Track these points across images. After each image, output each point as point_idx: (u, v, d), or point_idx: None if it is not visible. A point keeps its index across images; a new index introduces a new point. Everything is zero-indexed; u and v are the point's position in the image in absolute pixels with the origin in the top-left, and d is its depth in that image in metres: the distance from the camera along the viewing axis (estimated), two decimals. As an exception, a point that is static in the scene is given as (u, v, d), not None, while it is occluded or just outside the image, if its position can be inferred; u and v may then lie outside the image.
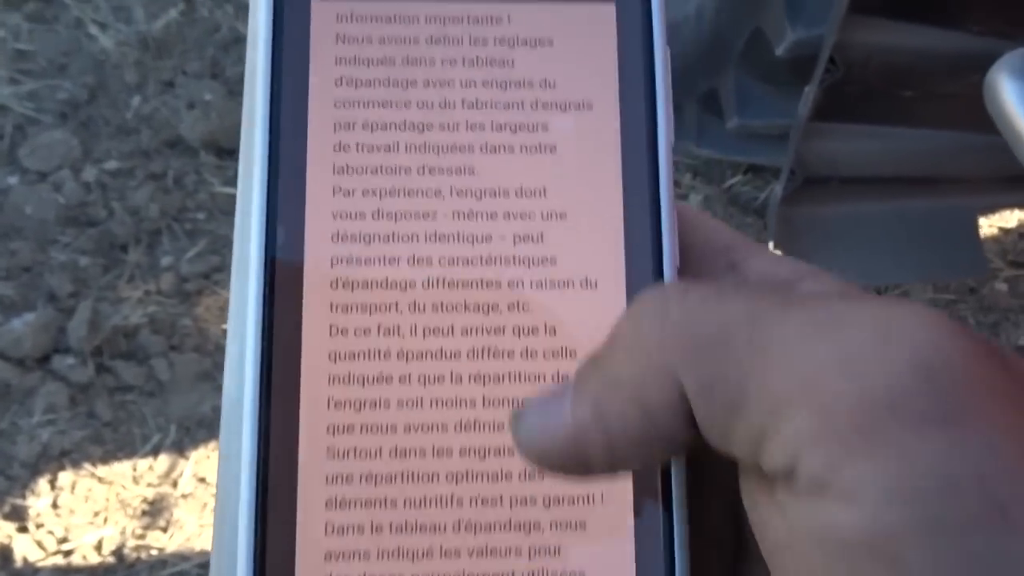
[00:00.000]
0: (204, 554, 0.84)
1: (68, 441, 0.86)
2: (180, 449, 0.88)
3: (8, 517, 0.83)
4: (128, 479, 0.86)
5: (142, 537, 0.84)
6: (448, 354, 0.18)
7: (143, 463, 0.87)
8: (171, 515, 0.85)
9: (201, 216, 1.02)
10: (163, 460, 0.87)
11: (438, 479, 0.17)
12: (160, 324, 0.93)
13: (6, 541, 0.82)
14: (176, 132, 1.07)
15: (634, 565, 0.17)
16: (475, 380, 0.18)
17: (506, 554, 0.17)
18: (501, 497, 0.18)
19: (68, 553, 0.83)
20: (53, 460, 0.85)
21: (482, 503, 0.17)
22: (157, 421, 0.88)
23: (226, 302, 0.95)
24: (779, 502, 0.14)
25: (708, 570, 0.18)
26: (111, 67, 1.12)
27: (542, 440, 0.16)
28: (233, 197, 0.97)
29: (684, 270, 0.19)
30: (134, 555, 0.84)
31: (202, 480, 0.87)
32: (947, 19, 0.52)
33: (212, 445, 0.88)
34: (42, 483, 0.85)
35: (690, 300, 0.15)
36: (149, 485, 0.86)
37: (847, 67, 0.53)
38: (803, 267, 0.19)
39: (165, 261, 0.98)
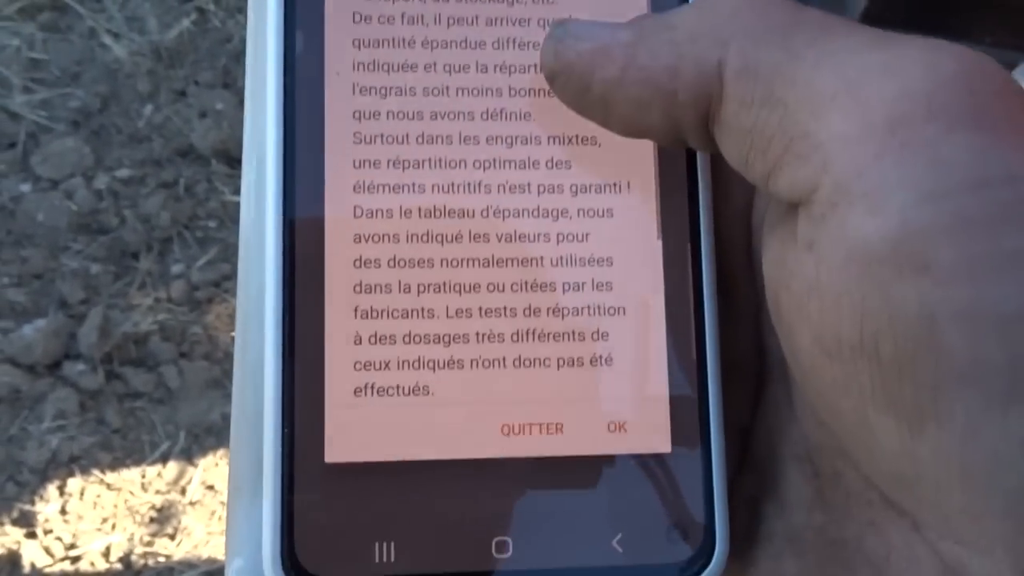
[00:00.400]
0: (212, 561, 0.84)
1: (77, 447, 0.86)
2: (189, 456, 0.88)
3: (16, 523, 0.83)
4: (137, 486, 0.86)
5: (150, 544, 0.84)
6: (472, 43, 0.18)
7: (152, 470, 0.87)
8: (179, 522, 0.85)
9: (212, 224, 1.02)
10: (172, 467, 0.87)
11: (465, 165, 0.18)
12: (170, 331, 0.94)
13: (14, 547, 0.82)
14: (188, 141, 1.07)
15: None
16: (501, 69, 0.18)
17: (534, 239, 0.18)
18: (528, 184, 0.18)
19: (76, 559, 0.83)
20: (62, 466, 0.86)
21: (510, 190, 0.18)
22: (166, 428, 0.88)
23: (235, 310, 0.96)
24: (809, 240, 0.13)
25: (732, 388, 0.18)
26: (124, 76, 1.13)
27: (570, 41, 0.16)
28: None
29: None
30: (141, 562, 0.84)
31: (210, 488, 0.87)
32: (960, 31, 0.52)
33: (221, 453, 0.89)
34: (51, 489, 0.85)
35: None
36: (157, 492, 0.86)
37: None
38: None
39: (176, 269, 0.98)
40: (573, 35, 0.16)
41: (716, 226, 0.18)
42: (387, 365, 0.17)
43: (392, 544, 0.17)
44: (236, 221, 1.08)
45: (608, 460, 0.18)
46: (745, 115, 0.14)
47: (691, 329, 0.18)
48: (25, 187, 1.02)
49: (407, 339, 0.17)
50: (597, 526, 0.17)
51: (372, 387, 0.17)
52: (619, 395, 0.18)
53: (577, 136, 0.18)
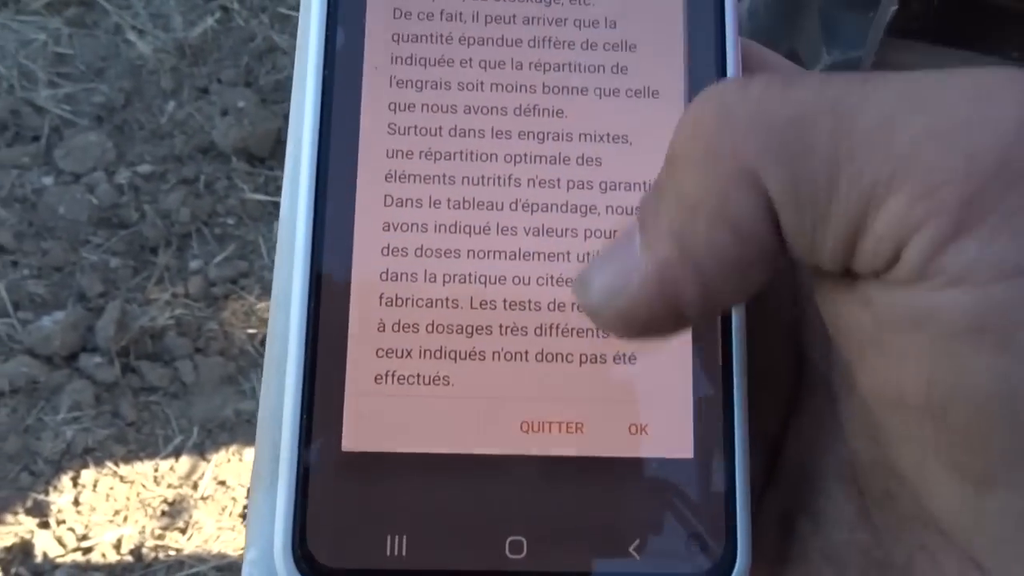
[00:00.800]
0: (221, 556, 0.85)
1: (92, 439, 0.87)
2: (201, 451, 0.88)
3: (30, 512, 0.84)
4: (149, 479, 0.86)
5: (161, 537, 0.84)
6: (508, 41, 0.18)
7: (164, 464, 0.87)
8: (190, 516, 0.85)
9: (231, 221, 1.03)
10: (184, 462, 0.88)
11: (496, 159, 0.18)
12: (186, 327, 0.94)
13: (27, 536, 0.83)
14: (209, 138, 1.08)
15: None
16: (535, 67, 0.18)
17: (562, 234, 0.18)
18: (558, 180, 0.18)
19: (87, 550, 0.83)
20: (76, 457, 0.86)
21: (539, 184, 0.18)
22: (180, 423, 0.89)
23: (251, 307, 0.96)
24: (866, 298, 0.13)
25: (762, 395, 0.17)
26: (147, 73, 1.14)
27: (620, 300, 0.14)
28: (262, 203, 0.98)
29: None
30: (152, 555, 0.84)
31: (222, 483, 0.88)
32: (986, 44, 0.52)
33: (233, 449, 0.89)
34: (65, 480, 0.85)
35: (755, 91, 0.13)
36: (170, 486, 0.86)
37: (883, 90, 0.53)
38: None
39: (194, 265, 0.99)
40: (608, 290, 0.14)
41: None
42: (409, 353, 0.17)
43: (404, 538, 0.16)
44: (254, 218, 1.09)
45: (628, 463, 0.17)
46: (803, 231, 0.13)
47: (717, 331, 0.17)
48: (47, 180, 1.03)
49: (430, 328, 0.17)
50: (614, 530, 0.17)
51: (393, 375, 0.17)
52: (642, 396, 0.17)
53: (608, 134, 0.18)
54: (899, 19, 0.49)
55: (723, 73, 0.19)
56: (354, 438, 0.17)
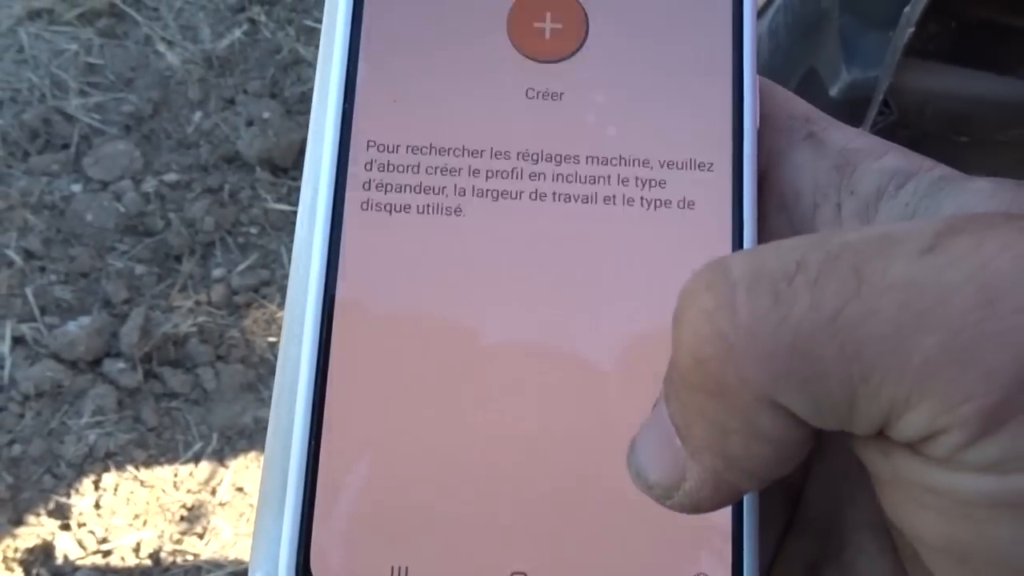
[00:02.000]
0: (238, 563, 0.85)
1: (114, 443, 0.88)
2: (221, 458, 0.89)
3: (52, 514, 0.85)
4: (169, 484, 0.88)
5: (179, 542, 0.85)
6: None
7: (184, 469, 0.88)
8: (208, 522, 0.86)
9: (254, 231, 1.04)
10: (204, 467, 0.89)
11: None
12: (209, 334, 0.95)
13: (49, 538, 0.84)
14: (234, 148, 1.10)
15: None
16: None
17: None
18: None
19: (107, 553, 0.84)
20: (98, 461, 0.88)
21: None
22: (200, 429, 0.90)
23: (272, 316, 0.97)
24: (884, 453, 0.13)
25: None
26: (175, 83, 1.16)
27: (683, 497, 0.14)
28: (285, 213, 0.99)
29: (763, 136, 0.19)
30: (170, 559, 0.85)
31: (240, 490, 0.88)
32: (1005, 66, 0.52)
33: (252, 455, 0.90)
34: (86, 483, 0.87)
35: (743, 314, 0.13)
36: (189, 491, 0.87)
37: (902, 111, 0.53)
38: (883, 142, 0.18)
39: (217, 273, 1.00)
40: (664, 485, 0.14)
41: None
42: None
43: (407, 570, 0.17)
44: (277, 228, 1.10)
45: (632, 504, 0.17)
46: (835, 424, 0.13)
47: None
48: (76, 187, 1.05)
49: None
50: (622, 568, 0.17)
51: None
52: None
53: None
54: (917, 39, 0.49)
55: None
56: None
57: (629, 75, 0.19)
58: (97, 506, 0.86)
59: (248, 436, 0.90)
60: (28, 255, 0.99)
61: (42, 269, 0.98)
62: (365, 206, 0.18)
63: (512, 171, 0.18)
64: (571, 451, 0.17)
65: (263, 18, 1.23)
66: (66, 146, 1.08)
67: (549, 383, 0.18)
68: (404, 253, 0.18)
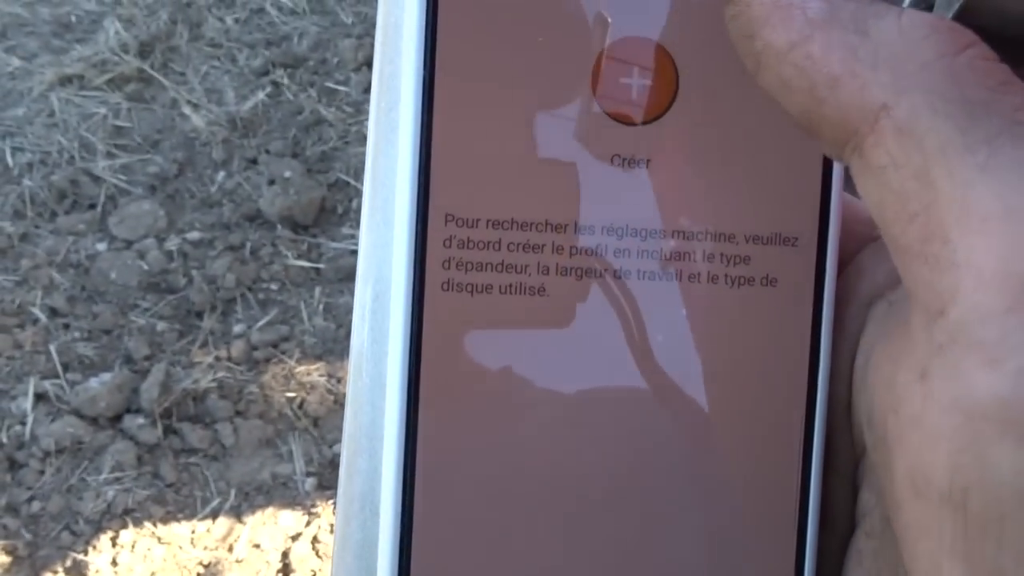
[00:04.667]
0: (254, 622, 0.84)
1: (132, 500, 0.88)
2: (238, 514, 0.89)
3: (69, 572, 0.85)
4: (186, 541, 0.87)
5: (195, 600, 0.85)
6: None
7: (201, 526, 0.88)
8: (224, 580, 0.86)
9: (274, 287, 1.05)
10: (221, 524, 0.88)
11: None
12: (228, 390, 0.96)
13: (65, 596, 0.84)
14: (256, 206, 1.12)
15: None
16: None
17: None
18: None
19: (123, 612, 0.84)
20: (116, 518, 0.87)
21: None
22: (218, 485, 0.90)
23: (291, 371, 0.98)
24: (918, 368, 0.13)
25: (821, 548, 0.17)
26: (200, 144, 1.18)
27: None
28: (304, 270, 1.00)
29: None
30: (186, 618, 0.84)
31: (257, 546, 0.88)
32: None
33: (270, 511, 0.89)
34: (104, 540, 0.87)
35: None
36: (206, 548, 0.87)
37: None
38: None
39: (237, 329, 1.01)
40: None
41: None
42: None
43: None
44: (297, 284, 1.11)
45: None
46: (893, 175, 0.13)
47: (797, 485, 0.17)
48: (101, 246, 1.07)
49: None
50: None
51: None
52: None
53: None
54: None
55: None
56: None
57: (718, 139, 0.17)
58: (114, 563, 0.86)
59: (266, 492, 0.90)
60: (53, 312, 1.01)
61: (66, 326, 1.00)
62: (446, 286, 0.17)
63: (596, 247, 0.17)
64: (653, 497, 0.17)
65: (286, 81, 1.26)
66: (92, 206, 1.10)
67: (632, 455, 0.17)
68: (487, 338, 0.17)
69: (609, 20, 0.17)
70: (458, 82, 0.17)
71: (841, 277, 0.18)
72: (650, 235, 0.17)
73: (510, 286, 0.17)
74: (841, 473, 0.18)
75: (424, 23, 0.16)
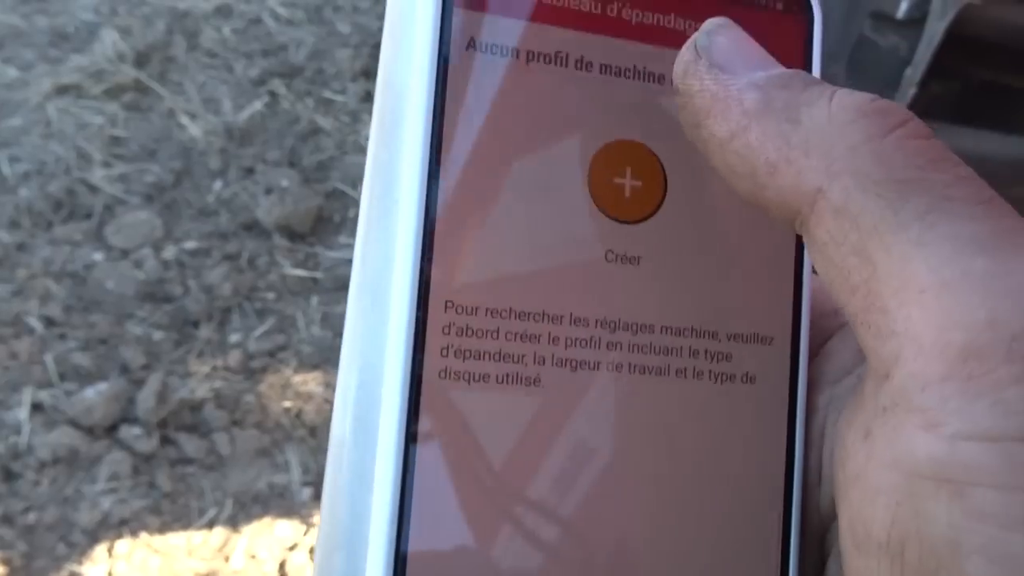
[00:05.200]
0: (250, 632, 0.84)
1: (128, 510, 0.88)
2: (234, 524, 0.88)
3: (64, 583, 0.85)
4: (182, 551, 0.87)
5: (191, 611, 0.84)
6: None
7: (197, 536, 0.88)
8: (221, 591, 0.85)
9: (271, 296, 1.05)
10: (217, 534, 0.88)
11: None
12: (224, 399, 0.96)
13: (60, 607, 0.83)
14: (253, 215, 1.12)
15: None
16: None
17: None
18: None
19: (118, 623, 0.83)
20: (112, 529, 0.87)
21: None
22: (214, 495, 0.90)
23: (288, 380, 0.97)
24: (863, 428, 0.14)
25: None
26: (197, 154, 1.18)
27: (702, 68, 0.16)
28: (301, 279, 1.00)
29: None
30: (182, 629, 0.84)
31: (253, 556, 0.88)
32: (1010, 125, 0.53)
33: (266, 521, 0.89)
34: (100, 550, 0.86)
35: None
36: (202, 559, 0.87)
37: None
38: None
39: (234, 338, 1.01)
40: (709, 62, 0.16)
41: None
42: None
43: None
44: (294, 293, 1.11)
45: None
46: (834, 251, 0.14)
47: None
48: (98, 256, 1.07)
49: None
50: None
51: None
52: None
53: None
54: (920, 101, 0.50)
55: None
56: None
57: (703, 241, 0.18)
58: (110, 574, 0.85)
59: (262, 502, 0.90)
60: (49, 322, 1.00)
61: (62, 336, 0.99)
62: (443, 374, 0.17)
63: (590, 340, 0.17)
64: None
65: (283, 90, 1.26)
66: (89, 215, 1.10)
67: (620, 551, 0.17)
68: (481, 427, 0.17)
69: (606, 122, 0.18)
70: (461, 174, 0.17)
71: (813, 364, 0.19)
72: (641, 330, 0.18)
73: (507, 375, 0.17)
74: (810, 542, 0.18)
75: (431, 119, 0.17)
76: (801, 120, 0.15)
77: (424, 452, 0.16)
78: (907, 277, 0.13)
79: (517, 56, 0.17)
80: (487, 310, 0.17)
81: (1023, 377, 0.12)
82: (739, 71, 0.16)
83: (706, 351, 0.18)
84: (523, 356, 0.17)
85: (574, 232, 0.18)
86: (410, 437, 0.16)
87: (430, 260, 0.17)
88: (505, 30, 0.17)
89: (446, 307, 0.17)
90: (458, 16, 0.17)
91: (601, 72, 0.18)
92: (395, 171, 0.17)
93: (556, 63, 0.18)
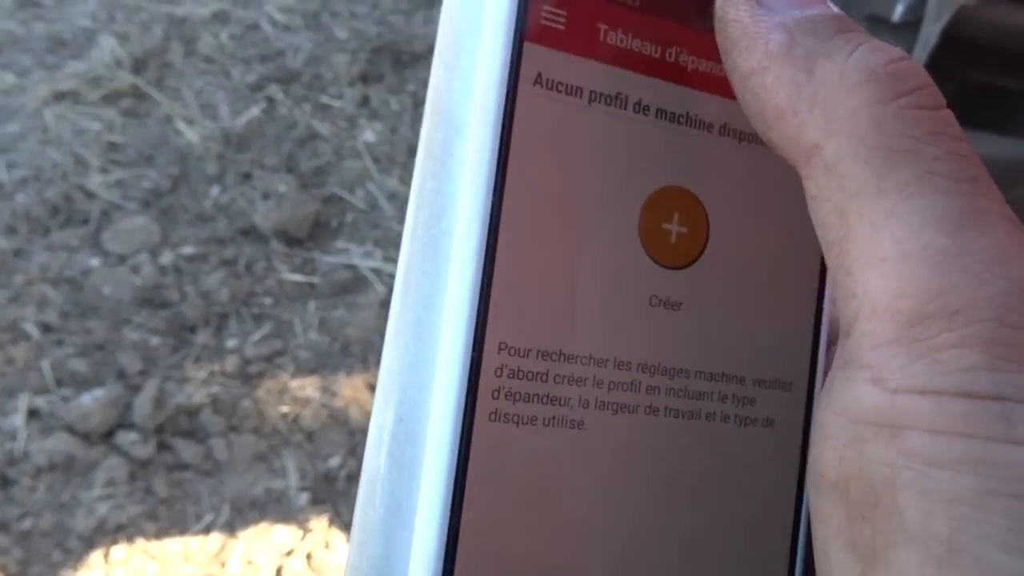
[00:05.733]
0: (247, 639, 0.84)
1: (124, 516, 0.88)
2: (231, 530, 0.88)
3: (60, 590, 0.84)
4: (179, 557, 0.87)
5: (188, 618, 0.84)
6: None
7: (194, 541, 0.87)
8: (218, 597, 0.85)
9: (268, 301, 1.05)
10: (214, 539, 0.88)
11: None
12: (221, 404, 0.95)
13: (56, 614, 0.83)
14: (250, 221, 1.11)
15: None
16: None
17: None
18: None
19: (115, 630, 0.83)
20: (108, 535, 0.87)
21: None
22: (211, 500, 0.89)
23: (285, 385, 0.97)
24: (830, 380, 0.15)
25: None
26: (195, 159, 1.18)
27: (738, 2, 0.16)
28: (299, 284, 1.00)
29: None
30: (178, 636, 0.83)
31: (250, 562, 0.87)
32: (1006, 126, 0.53)
33: (263, 526, 0.89)
34: (96, 557, 0.86)
35: None
36: (199, 564, 0.86)
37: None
38: None
39: (231, 344, 1.01)
40: None
41: None
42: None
43: None
44: (291, 298, 1.11)
45: None
46: (820, 205, 0.15)
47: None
48: (95, 261, 1.06)
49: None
50: None
51: None
52: None
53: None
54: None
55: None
56: None
57: (736, 288, 0.19)
58: (106, 581, 0.85)
59: (259, 507, 0.89)
60: (45, 328, 1.00)
61: (59, 342, 0.99)
62: (494, 416, 0.17)
63: (632, 383, 0.18)
64: None
65: (280, 96, 1.26)
66: (86, 221, 1.10)
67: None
68: (528, 470, 0.17)
69: (659, 167, 0.18)
70: (523, 213, 0.17)
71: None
72: (677, 375, 0.18)
73: (553, 418, 0.17)
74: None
75: (495, 155, 0.17)
76: (815, 72, 0.15)
77: (473, 495, 0.16)
78: (873, 244, 0.14)
79: (580, 95, 0.17)
80: (539, 352, 0.17)
81: (960, 343, 0.13)
82: (776, 7, 0.16)
83: (733, 395, 0.19)
84: (569, 399, 0.17)
85: (623, 276, 0.18)
86: (460, 479, 0.16)
87: (487, 300, 0.16)
88: (571, 68, 0.17)
89: (500, 348, 0.17)
90: (528, 50, 0.17)
91: (656, 116, 0.18)
92: (445, 204, 0.17)
93: (616, 104, 0.18)
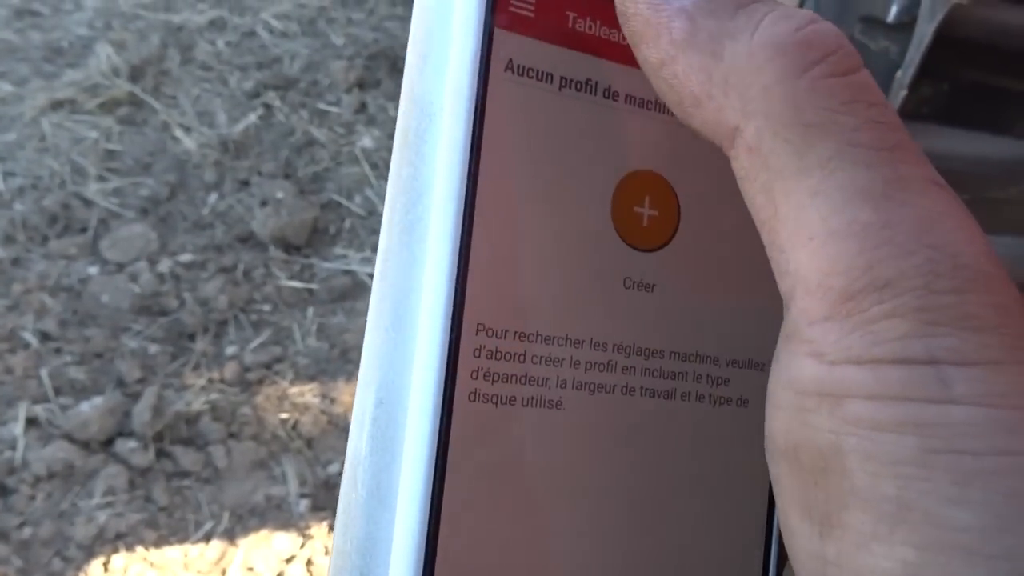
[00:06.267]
0: (248, 646, 0.84)
1: (124, 524, 0.87)
2: (231, 537, 0.88)
3: (60, 599, 0.84)
4: (179, 565, 0.86)
5: (188, 625, 0.84)
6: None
7: (194, 549, 0.87)
8: (218, 604, 0.85)
9: (266, 308, 1.05)
10: (215, 547, 0.87)
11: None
12: (221, 412, 0.95)
13: (56, 623, 0.83)
14: (248, 228, 1.11)
15: None
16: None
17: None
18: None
19: (115, 639, 0.83)
20: (108, 543, 0.87)
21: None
22: (211, 508, 0.89)
23: (284, 392, 0.97)
24: (776, 352, 0.15)
25: None
26: (192, 167, 1.18)
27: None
28: (297, 290, 1.00)
29: None
30: (179, 644, 0.83)
31: (251, 569, 0.87)
32: (1001, 125, 0.53)
33: (263, 534, 0.89)
34: (95, 565, 0.86)
35: None
36: (199, 572, 0.86)
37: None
38: None
39: (230, 351, 1.01)
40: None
41: None
42: None
43: None
44: (289, 304, 1.11)
45: None
46: (748, 186, 0.15)
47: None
48: (93, 270, 1.06)
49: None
50: None
51: None
52: None
53: None
54: (910, 102, 0.50)
55: None
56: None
57: (708, 269, 0.19)
58: (106, 589, 0.85)
59: (259, 514, 0.89)
60: (44, 337, 1.00)
61: (57, 350, 0.99)
62: (473, 397, 0.17)
63: (608, 364, 0.18)
64: None
65: (277, 102, 1.26)
66: (84, 229, 1.10)
67: (632, 562, 0.18)
68: (508, 450, 0.17)
69: (629, 152, 0.19)
70: (497, 197, 0.17)
71: None
72: (652, 355, 0.18)
73: (532, 398, 0.17)
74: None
75: (468, 140, 0.17)
76: (723, 56, 0.15)
77: (454, 475, 0.16)
78: (800, 223, 0.14)
79: (551, 81, 0.18)
80: (516, 333, 0.17)
81: (891, 314, 0.14)
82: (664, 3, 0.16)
83: (707, 375, 0.19)
84: (547, 379, 0.17)
85: (597, 258, 0.18)
86: (440, 460, 0.16)
87: (464, 283, 0.17)
88: (541, 54, 0.18)
89: (477, 330, 0.17)
90: (499, 36, 0.17)
91: (626, 102, 0.19)
92: (420, 189, 0.17)
93: (586, 90, 0.18)
